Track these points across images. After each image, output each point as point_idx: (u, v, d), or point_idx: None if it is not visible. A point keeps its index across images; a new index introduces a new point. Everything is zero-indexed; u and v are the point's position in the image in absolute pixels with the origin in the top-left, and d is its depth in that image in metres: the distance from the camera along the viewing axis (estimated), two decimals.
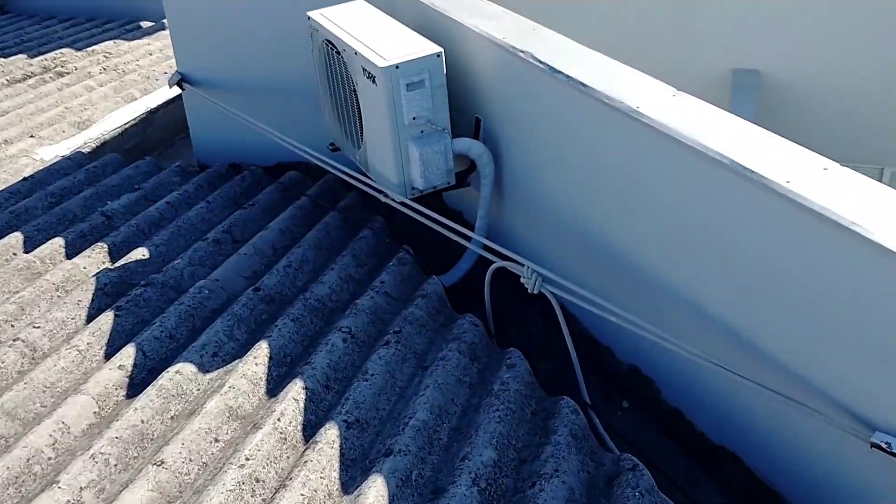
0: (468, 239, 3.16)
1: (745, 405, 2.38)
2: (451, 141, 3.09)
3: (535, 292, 2.61)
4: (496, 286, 3.36)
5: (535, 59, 2.78)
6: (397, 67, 2.92)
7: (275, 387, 2.49)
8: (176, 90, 4.91)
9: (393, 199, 3.20)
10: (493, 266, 2.79)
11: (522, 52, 2.84)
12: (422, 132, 3.05)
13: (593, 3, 5.97)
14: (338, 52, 3.21)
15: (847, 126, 5.37)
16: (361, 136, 3.27)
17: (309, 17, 3.44)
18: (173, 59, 5.85)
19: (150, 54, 5.93)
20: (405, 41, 3.07)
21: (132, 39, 6.21)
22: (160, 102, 4.96)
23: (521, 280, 2.65)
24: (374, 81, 2.98)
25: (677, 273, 2.44)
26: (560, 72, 2.68)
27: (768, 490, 2.36)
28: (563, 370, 2.88)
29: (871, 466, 2.00)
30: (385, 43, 3.06)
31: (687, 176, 2.29)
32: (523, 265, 2.65)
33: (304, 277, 3.06)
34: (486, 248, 3.16)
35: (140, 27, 6.62)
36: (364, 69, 3.03)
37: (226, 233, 3.32)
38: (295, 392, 2.37)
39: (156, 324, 2.72)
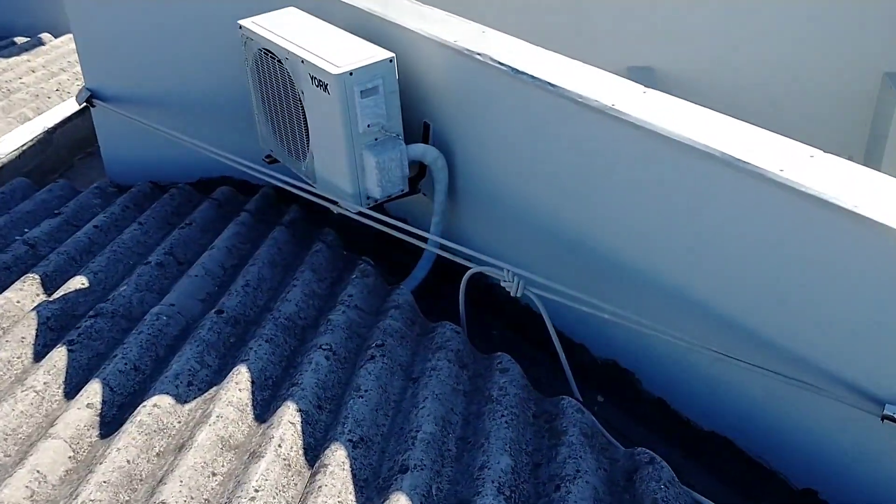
0: (425, 241, 3.12)
1: (737, 389, 2.44)
2: (406, 147, 3.03)
3: (518, 295, 2.59)
4: (443, 291, 3.34)
5: (495, 60, 2.77)
6: (351, 74, 2.85)
7: (263, 412, 2.37)
8: (73, 107, 4.65)
9: (347, 210, 3.12)
10: (470, 272, 2.76)
11: (479, 54, 2.83)
12: (376, 139, 2.99)
13: (489, 4, 6.03)
14: (279, 61, 3.10)
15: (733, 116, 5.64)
16: (307, 146, 3.17)
17: (241, 26, 3.31)
18: (61, 76, 5.52)
19: (34, 71, 5.56)
20: (354, 47, 3.00)
21: (9, 56, 5.80)
22: (57, 121, 4.66)
23: (502, 283, 2.63)
24: (325, 89, 2.90)
25: (662, 265, 2.47)
26: (524, 72, 2.68)
27: (765, 471, 2.43)
28: (536, 370, 2.88)
29: (875, 438, 2.09)
30: (333, 50, 2.98)
31: (671, 169, 2.33)
32: (502, 269, 2.63)
33: (264, 296, 2.93)
34: (442, 250, 3.13)
35: (14, 43, 6.20)
36: (313, 77, 2.94)
37: (168, 254, 3.15)
38: (290, 415, 2.26)
39: (117, 356, 2.54)
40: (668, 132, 2.29)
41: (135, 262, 3.18)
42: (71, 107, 4.80)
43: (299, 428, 2.25)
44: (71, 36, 6.53)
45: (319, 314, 2.83)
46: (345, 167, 3.01)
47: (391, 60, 2.94)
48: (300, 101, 3.09)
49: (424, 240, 3.18)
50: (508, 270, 2.60)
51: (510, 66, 2.72)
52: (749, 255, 2.22)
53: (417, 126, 3.23)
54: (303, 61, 2.97)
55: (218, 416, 2.26)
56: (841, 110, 5.92)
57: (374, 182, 3.00)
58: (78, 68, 5.71)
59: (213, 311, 2.75)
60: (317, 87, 2.94)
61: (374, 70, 2.90)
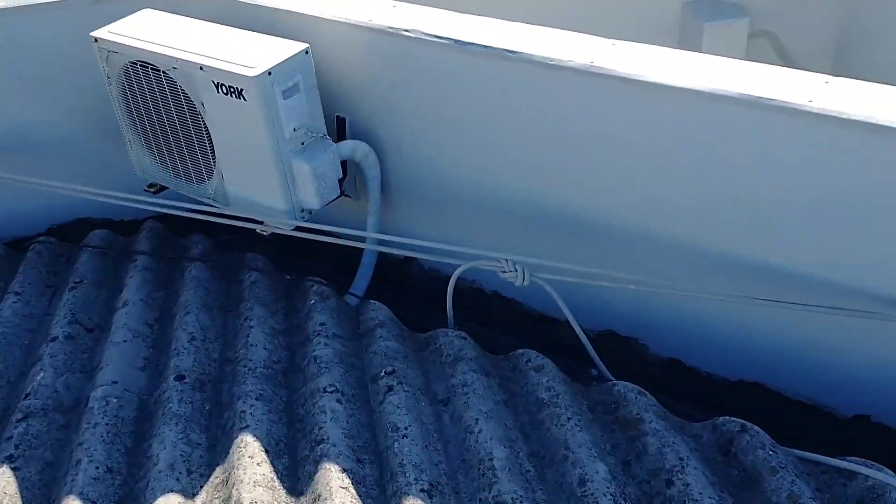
0: (362, 242, 2.83)
1: (761, 330, 2.38)
2: (336, 146, 2.70)
3: (525, 284, 2.37)
4: (385, 294, 3.07)
5: (431, 35, 2.50)
6: (270, 74, 2.47)
7: (294, 483, 2.00)
8: None
9: (278, 228, 2.74)
10: (459, 270, 2.49)
11: (408, 30, 2.54)
12: (303, 144, 2.64)
13: None
14: (162, 73, 2.64)
15: None
16: (213, 165, 2.74)
17: (96, 39, 2.78)
18: None
19: None
20: (259, 43, 2.61)
21: None
22: None
23: (502, 275, 2.39)
24: (237, 96, 2.49)
25: (668, 222, 2.35)
26: (472, 43, 2.43)
27: (807, 407, 2.39)
28: None
29: None
30: (235, 49, 2.57)
31: (678, 120, 2.19)
32: (499, 259, 2.39)
33: (216, 347, 2.51)
34: (383, 248, 2.86)
35: None
36: (219, 84, 2.52)
37: (73, 323, 2.61)
38: (336, 479, 1.92)
39: (81, 461, 2.06)
40: (667, 83, 2.14)
41: (31, 341, 2.62)
42: None
43: (353, 491, 1.92)
44: None
45: (292, 353, 2.46)
46: (272, 180, 2.63)
47: (307, 52, 2.58)
48: (199, 114, 2.65)
49: (361, 245, 2.88)
50: (508, 260, 2.37)
51: (453, 39, 2.47)
52: (777, 194, 2.14)
53: (328, 122, 2.88)
54: (201, 68, 2.53)
55: (252, 503, 1.88)
56: (648, 44, 6.10)
57: (310, 192, 2.64)
58: None
59: (173, 377, 2.30)
60: (225, 94, 2.53)
61: (292, 65, 2.53)
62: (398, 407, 2.13)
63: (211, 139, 2.68)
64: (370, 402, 2.22)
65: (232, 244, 3.08)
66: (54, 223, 3.46)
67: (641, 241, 2.45)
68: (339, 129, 2.90)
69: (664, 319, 2.57)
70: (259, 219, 2.78)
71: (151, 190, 3.02)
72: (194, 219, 2.92)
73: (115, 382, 2.32)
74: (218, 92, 2.54)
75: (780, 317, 2.32)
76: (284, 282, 2.79)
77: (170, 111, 2.72)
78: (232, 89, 2.50)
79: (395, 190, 2.93)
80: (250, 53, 2.54)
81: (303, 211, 2.72)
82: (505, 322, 2.92)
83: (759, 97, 2.03)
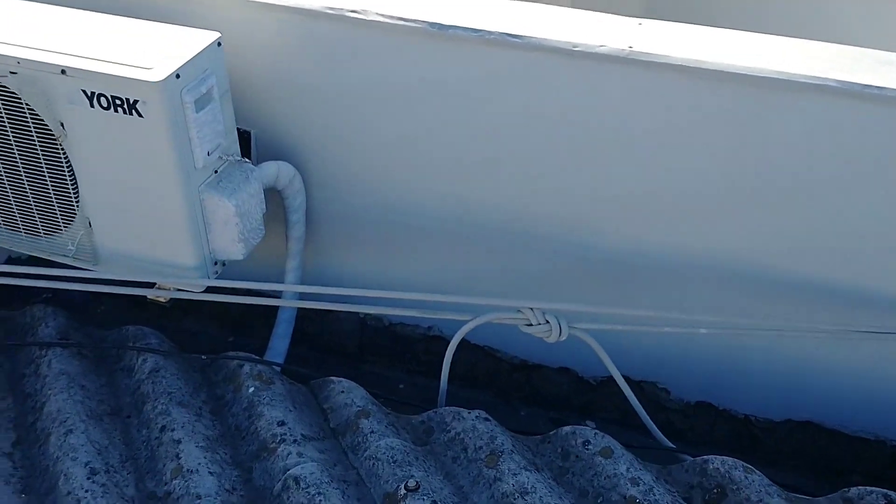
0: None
1: (818, 363, 2.03)
2: (258, 172, 1.98)
3: (562, 339, 1.81)
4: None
5: (396, 17, 1.87)
6: (178, 77, 1.72)
7: None
8: None
9: (185, 290, 1.98)
10: (469, 326, 1.85)
11: (356, 11, 1.89)
12: (216, 172, 1.90)
13: None
14: None
15: None
16: (74, 209, 1.93)
17: None
18: None
19: None
20: (148, 33, 1.85)
21: None
22: None
23: (526, 329, 1.81)
24: (128, 110, 1.73)
25: (707, 243, 1.92)
26: (456, 27, 1.84)
27: (862, 442, 2.07)
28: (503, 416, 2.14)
29: None
30: (116, 43, 1.80)
31: (726, 109, 1.75)
32: (520, 310, 1.80)
33: (130, 477, 1.71)
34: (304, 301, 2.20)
35: None
36: (94, 95, 1.73)
37: None
38: None
39: None
40: (748, 71, 1.68)
41: None
42: None
43: None
44: None
45: (247, 472, 1.73)
46: (176, 226, 1.88)
47: (219, 44, 1.84)
48: (56, 139, 1.82)
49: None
50: (535, 310, 1.79)
51: (426, 21, 1.85)
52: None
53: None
54: (63, 71, 1.72)
55: None
56: None
57: (231, 237, 1.92)
58: None
59: None
60: (104, 108, 1.74)
61: (202, 64, 1.80)
62: None
63: (73, 173, 1.86)
64: None
65: (91, 314, 2.24)
66: None
67: (664, 269, 1.99)
68: (242, 147, 2.17)
69: (688, 359, 2.14)
70: (149, 280, 1.99)
71: None
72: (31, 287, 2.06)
73: None
74: (93, 105, 1.73)
75: (839, 346, 1.97)
76: (198, 363, 2.02)
77: (4, 135, 1.86)
78: (118, 101, 1.71)
79: (321, 224, 2.25)
80: (142, 48, 1.76)
81: (216, 264, 1.97)
82: (469, 374, 2.35)
83: (865, 84, 1.63)
